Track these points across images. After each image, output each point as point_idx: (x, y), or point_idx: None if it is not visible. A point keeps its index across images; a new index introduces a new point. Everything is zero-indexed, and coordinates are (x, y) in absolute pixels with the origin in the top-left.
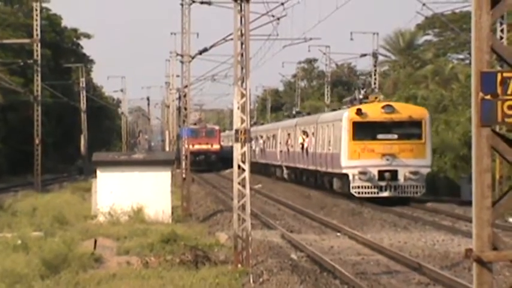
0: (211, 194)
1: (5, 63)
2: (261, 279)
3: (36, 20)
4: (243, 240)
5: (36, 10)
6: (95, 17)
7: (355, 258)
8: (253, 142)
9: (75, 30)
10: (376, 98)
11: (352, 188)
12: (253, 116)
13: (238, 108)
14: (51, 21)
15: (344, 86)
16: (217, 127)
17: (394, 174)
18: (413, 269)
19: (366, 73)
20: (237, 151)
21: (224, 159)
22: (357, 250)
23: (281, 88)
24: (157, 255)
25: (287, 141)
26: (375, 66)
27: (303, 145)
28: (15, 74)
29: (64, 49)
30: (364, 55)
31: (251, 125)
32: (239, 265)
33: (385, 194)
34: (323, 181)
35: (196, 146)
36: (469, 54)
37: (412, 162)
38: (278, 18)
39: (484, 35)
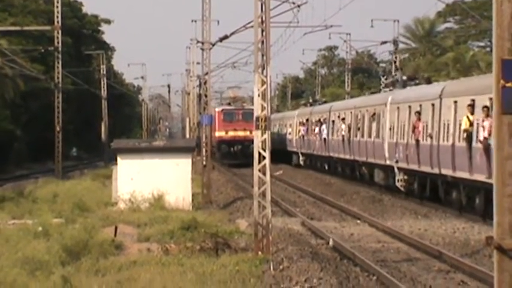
0: (231, 181)
1: (26, 50)
2: (281, 267)
3: (57, 6)
4: (263, 228)
5: None
6: (116, 3)
7: (375, 246)
8: (323, 127)
9: (95, 16)
10: None
11: None
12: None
13: (258, 95)
14: (72, 8)
15: (364, 73)
16: None
17: None
18: (433, 256)
19: (386, 60)
20: (258, 138)
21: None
22: (377, 237)
23: (301, 75)
24: (177, 242)
25: (415, 127)
26: (395, 53)
27: (468, 133)
28: (36, 61)
29: (85, 36)
30: (385, 42)
31: (310, 104)
32: (259, 252)
33: None
34: None
35: (231, 133)
36: (490, 41)
37: None
38: (299, 6)
39: (505, 23)
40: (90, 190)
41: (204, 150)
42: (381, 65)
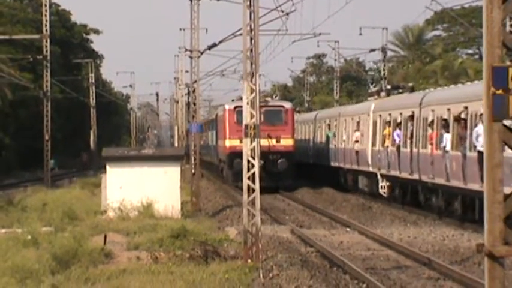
0: (220, 189)
1: (15, 59)
2: (270, 275)
3: (46, 15)
4: (252, 236)
5: (46, 6)
6: (104, 12)
7: (364, 253)
8: (478, 129)
9: (84, 25)
10: None
11: None
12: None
13: (247, 103)
14: (61, 17)
15: (353, 81)
16: (288, 104)
17: None
18: (423, 264)
19: (375, 68)
20: (247, 146)
21: (301, 165)
22: (366, 245)
23: (290, 83)
24: (167, 250)
25: None
26: (383, 61)
27: None
28: (25, 70)
29: (73, 45)
30: (373, 50)
31: (388, 92)
32: (249, 260)
33: None
34: None
35: None
36: (478, 49)
37: None
38: (287, 14)
39: (495, 30)
40: (79, 199)
41: (192, 158)
42: (369, 72)
